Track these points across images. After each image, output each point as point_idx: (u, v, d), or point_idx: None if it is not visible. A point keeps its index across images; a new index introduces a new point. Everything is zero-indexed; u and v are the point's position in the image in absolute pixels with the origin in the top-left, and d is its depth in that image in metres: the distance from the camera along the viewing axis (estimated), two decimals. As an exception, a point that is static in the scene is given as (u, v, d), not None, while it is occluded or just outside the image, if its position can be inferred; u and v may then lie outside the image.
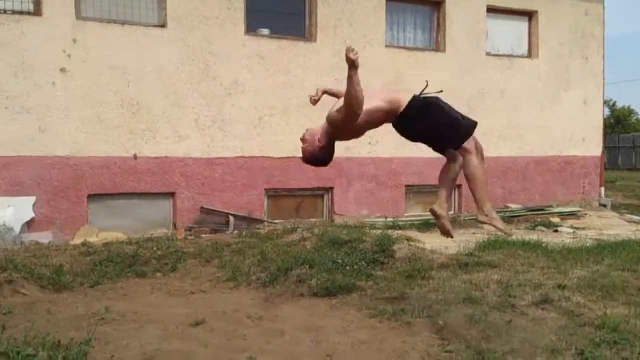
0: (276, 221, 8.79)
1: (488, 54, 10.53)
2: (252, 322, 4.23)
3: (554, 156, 11.17)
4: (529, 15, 10.94)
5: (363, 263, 5.89)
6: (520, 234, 8.29)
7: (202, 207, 8.47)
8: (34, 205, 7.56)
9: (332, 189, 9.34)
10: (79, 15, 7.75)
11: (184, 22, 8.32)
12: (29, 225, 7.56)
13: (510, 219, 9.92)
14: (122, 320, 4.24)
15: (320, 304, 4.82)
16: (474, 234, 8.57)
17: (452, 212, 10.25)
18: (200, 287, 5.49)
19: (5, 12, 7.42)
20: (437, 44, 10.18)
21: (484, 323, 4.04)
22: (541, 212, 10.39)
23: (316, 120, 8.90)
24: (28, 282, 5.23)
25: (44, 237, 7.43)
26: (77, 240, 7.26)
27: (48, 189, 7.63)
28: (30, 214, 7.53)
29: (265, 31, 8.97)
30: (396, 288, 5.19)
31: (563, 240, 7.84)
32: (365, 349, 3.64)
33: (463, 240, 7.56)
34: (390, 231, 7.28)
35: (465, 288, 5.10)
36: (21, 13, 7.50)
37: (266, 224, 8.72)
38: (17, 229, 7.36)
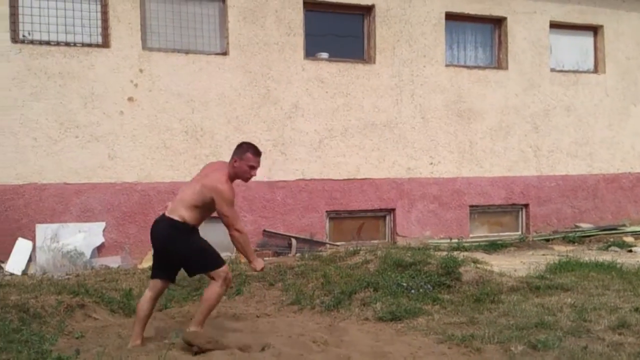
0: (338, 243, 8.75)
1: (552, 70, 10.23)
2: (318, 347, 4.18)
3: (625, 173, 10.67)
4: (594, 30, 10.59)
5: (428, 286, 5.76)
6: (592, 254, 7.92)
7: (264, 230, 8.53)
8: (103, 230, 7.81)
9: (393, 210, 9.23)
10: (144, 46, 8.04)
11: (245, 49, 8.49)
12: (99, 249, 7.81)
13: (581, 238, 9.50)
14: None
15: (385, 329, 4.73)
16: (543, 255, 8.25)
17: (519, 232, 9.93)
18: (264, 311, 5.50)
19: (75, 44, 7.79)
20: (498, 61, 9.98)
21: (558, 349, 3.85)
22: (613, 232, 9.90)
23: (376, 142, 8.99)
24: (99, 306, 5.37)
25: (113, 262, 7.66)
26: (145, 264, 7.43)
27: (117, 214, 7.88)
28: (100, 239, 7.78)
29: (324, 55, 9.04)
30: (464, 312, 5.03)
31: (638, 261, 7.44)
32: (435, 376, 3.52)
33: (532, 262, 7.28)
34: (455, 253, 7.09)
35: (537, 312, 4.90)
36: (90, 45, 7.85)
37: (328, 246, 8.68)
38: (88, 254, 7.62)
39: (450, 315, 4.96)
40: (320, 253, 8.00)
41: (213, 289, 4.14)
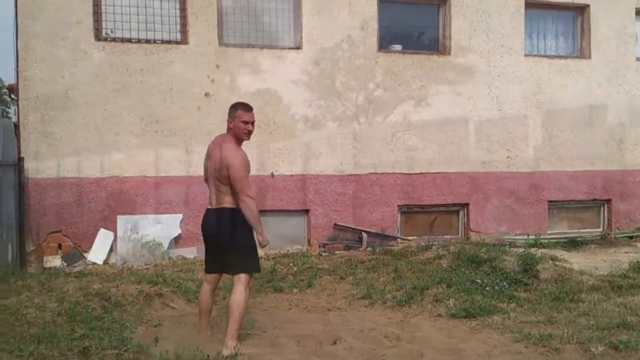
0: (409, 238, 8.64)
1: (638, 59, 9.65)
2: (390, 342, 4.16)
3: None
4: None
5: (504, 283, 5.60)
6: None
7: (335, 224, 8.55)
8: (180, 222, 8.07)
9: (467, 204, 9.01)
10: (221, 42, 8.22)
11: (318, 43, 8.52)
12: (176, 240, 8.08)
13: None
14: (264, 335, 4.35)
15: (459, 326, 4.64)
16: (626, 252, 7.83)
17: (600, 229, 9.45)
18: (335, 304, 5.52)
19: (155, 41, 8.07)
20: (581, 51, 9.51)
21: (641, 350, 3.64)
22: None
23: (450, 135, 8.78)
24: (176, 295, 5.56)
25: (189, 252, 7.91)
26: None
27: (193, 206, 8.10)
28: (177, 231, 8.05)
29: (398, 47, 8.93)
30: (542, 311, 4.86)
31: None
32: (511, 376, 3.42)
33: (614, 260, 6.93)
34: (532, 249, 6.85)
35: (619, 312, 4.68)
36: (169, 42, 8.11)
37: (399, 240, 8.60)
38: (165, 245, 7.90)
39: (527, 314, 4.80)
40: (392, 247, 7.94)
41: (240, 297, 4.01)
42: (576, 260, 7.01)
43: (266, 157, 8.27)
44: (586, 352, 3.77)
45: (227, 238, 4.13)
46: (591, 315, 4.65)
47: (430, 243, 7.34)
